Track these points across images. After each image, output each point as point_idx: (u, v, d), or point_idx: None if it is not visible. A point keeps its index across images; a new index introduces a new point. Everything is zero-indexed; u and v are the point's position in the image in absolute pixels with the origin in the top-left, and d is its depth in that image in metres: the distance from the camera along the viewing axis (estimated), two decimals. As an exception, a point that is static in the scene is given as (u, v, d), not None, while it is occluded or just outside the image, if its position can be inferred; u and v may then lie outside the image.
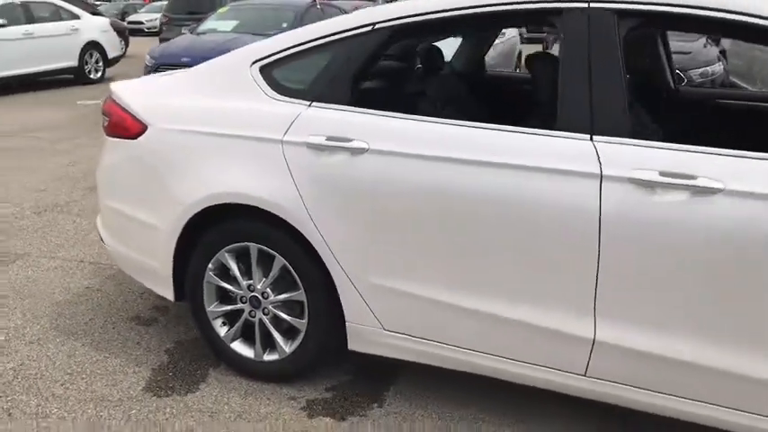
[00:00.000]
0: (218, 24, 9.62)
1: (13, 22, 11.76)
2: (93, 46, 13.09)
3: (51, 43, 12.28)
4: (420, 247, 2.56)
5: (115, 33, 13.89)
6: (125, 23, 19.85)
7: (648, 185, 2.22)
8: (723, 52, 9.11)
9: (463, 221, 2.46)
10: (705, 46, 8.29)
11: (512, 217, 2.39)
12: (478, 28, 3.08)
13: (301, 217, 2.70)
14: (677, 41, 8.02)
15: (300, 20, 9.18)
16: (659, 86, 3.60)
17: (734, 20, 2.24)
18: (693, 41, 8.17)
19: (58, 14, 12.68)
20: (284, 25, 9.07)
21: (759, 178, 2.11)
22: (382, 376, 3.05)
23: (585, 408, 2.77)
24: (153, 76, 3.46)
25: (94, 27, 13.27)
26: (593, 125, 2.34)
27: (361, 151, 2.60)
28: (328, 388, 2.98)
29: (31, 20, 12.12)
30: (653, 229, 2.21)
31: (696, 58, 7.85)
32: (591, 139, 2.33)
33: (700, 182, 2.16)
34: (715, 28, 2.77)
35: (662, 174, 2.20)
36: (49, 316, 3.63)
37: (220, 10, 10.52)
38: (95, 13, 16.88)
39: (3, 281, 4.06)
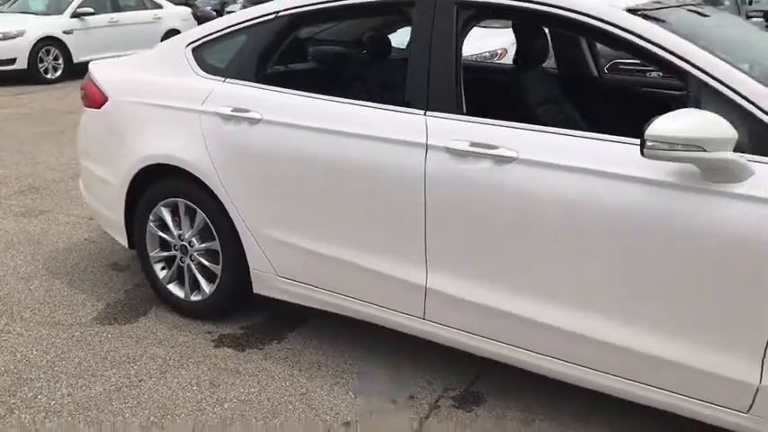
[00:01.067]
0: None
1: (100, 10, 12.82)
2: (173, 33, 14.05)
3: (134, 30, 13.29)
4: (298, 203, 3.01)
5: (196, 22, 14.81)
6: (214, 13, 20.92)
7: (461, 154, 2.57)
8: None
9: (328, 182, 2.89)
10: None
11: (363, 179, 2.79)
12: (354, 16, 3.46)
13: (212, 177, 3.20)
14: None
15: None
16: (578, 75, 3.87)
17: (555, 14, 2.55)
18: None
19: (142, 3, 13.70)
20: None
21: (547, 149, 2.43)
22: (291, 321, 3.50)
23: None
24: (126, 56, 4.02)
25: (176, 16, 14.25)
26: (428, 102, 2.70)
27: (256, 121, 3.07)
28: (243, 327, 3.46)
29: (116, 8, 13.18)
30: (465, 191, 2.57)
31: None
32: (425, 114, 2.70)
33: (499, 151, 2.50)
34: (538, 20, 3.05)
35: (471, 144, 2.56)
36: (45, 259, 4.28)
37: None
38: (184, 3, 17.96)
39: (21, 230, 4.76)
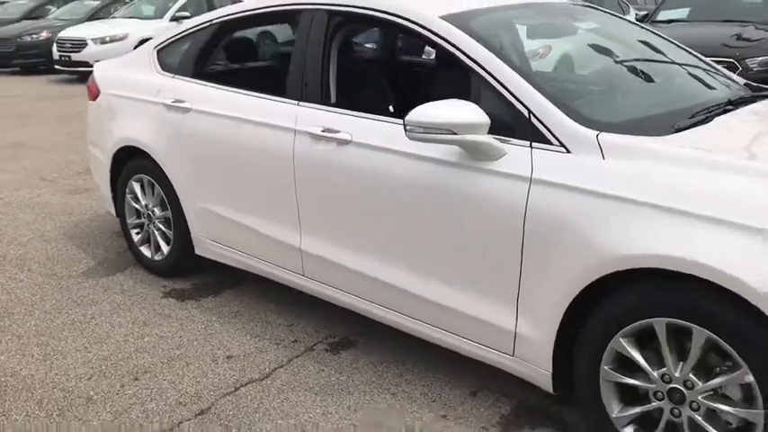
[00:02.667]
0: None
1: (198, 12, 14.04)
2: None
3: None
4: (216, 179, 3.65)
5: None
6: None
7: (316, 137, 3.12)
8: None
9: (234, 161, 3.51)
10: None
11: (255, 158, 3.39)
12: (263, 23, 4.03)
13: (161, 158, 3.90)
14: (742, 30, 8.07)
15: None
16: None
17: (388, 19, 3.05)
18: (761, 30, 8.10)
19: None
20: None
21: (371, 133, 2.94)
22: (233, 281, 4.13)
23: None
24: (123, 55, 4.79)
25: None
26: (302, 94, 3.26)
27: (188, 110, 3.73)
28: (193, 283, 4.14)
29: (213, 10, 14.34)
30: (319, 168, 3.11)
31: (761, 46, 7.80)
32: (298, 104, 3.26)
33: (340, 135, 3.03)
34: (379, 24, 3.55)
35: (323, 129, 3.10)
36: (69, 227, 5.16)
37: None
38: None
39: (63, 204, 5.68)
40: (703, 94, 3.07)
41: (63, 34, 13.89)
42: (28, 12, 17.61)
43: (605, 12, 3.70)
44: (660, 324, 2.25)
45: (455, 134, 2.51)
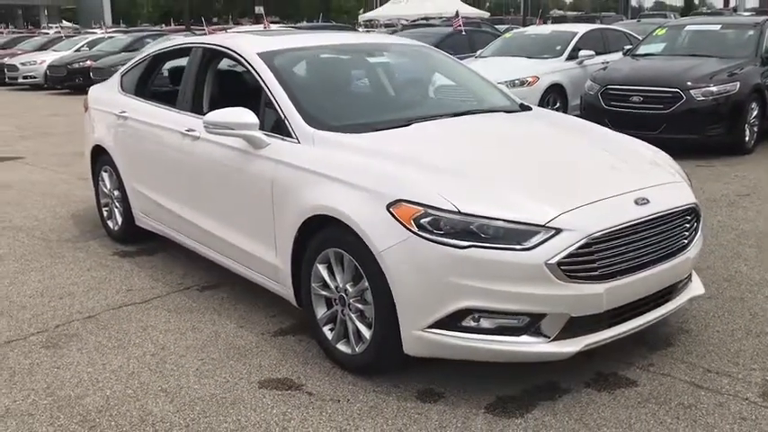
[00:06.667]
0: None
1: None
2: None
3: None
4: (142, 168, 5.08)
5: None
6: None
7: (185, 135, 4.49)
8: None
9: (155, 157, 4.92)
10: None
11: (161, 152, 4.80)
12: (175, 57, 5.40)
13: (113, 152, 5.39)
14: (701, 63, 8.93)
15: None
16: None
17: (223, 51, 4.41)
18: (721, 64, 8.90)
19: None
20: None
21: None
22: (168, 247, 5.52)
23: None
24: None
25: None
26: (190, 106, 4.64)
27: (127, 118, 5.21)
28: (140, 248, 5.55)
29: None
30: (188, 156, 4.48)
31: (709, 78, 8.59)
32: (184, 113, 4.65)
33: (195, 132, 4.39)
34: (222, 55, 4.63)
35: (187, 130, 4.47)
36: (78, 206, 6.75)
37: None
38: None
39: (82, 195, 7.32)
40: (440, 106, 4.26)
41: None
42: (127, 45, 20.12)
43: (431, 51, 4.93)
44: (331, 252, 3.46)
45: (233, 130, 3.82)
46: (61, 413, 3.25)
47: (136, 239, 5.61)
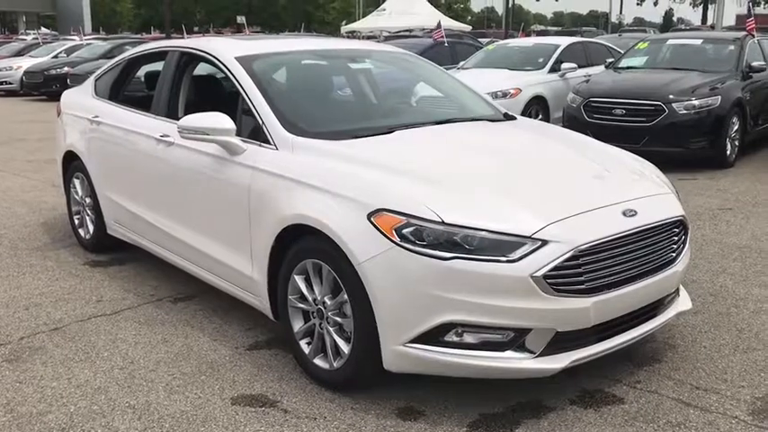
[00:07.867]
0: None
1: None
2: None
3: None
4: (116, 175, 4.92)
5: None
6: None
7: (160, 141, 4.34)
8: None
9: (128, 163, 4.76)
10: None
11: (135, 158, 4.63)
12: (150, 62, 5.26)
13: (85, 158, 5.22)
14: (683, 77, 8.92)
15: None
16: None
17: (202, 55, 4.27)
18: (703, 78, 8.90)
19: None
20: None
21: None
22: (140, 257, 5.35)
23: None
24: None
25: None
26: (165, 112, 4.49)
27: (100, 123, 5.04)
28: (112, 257, 5.37)
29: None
30: (163, 162, 4.32)
31: (690, 92, 8.57)
32: (159, 118, 4.50)
33: (170, 138, 4.24)
34: (200, 59, 4.45)
35: (161, 135, 4.32)
36: (48, 218, 6.56)
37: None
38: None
39: (54, 203, 7.12)
40: (424, 114, 4.15)
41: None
42: (105, 52, 19.87)
43: (415, 59, 4.83)
44: (309, 263, 3.32)
45: (209, 135, 3.68)
46: (20, 431, 3.08)
47: (108, 249, 5.43)
